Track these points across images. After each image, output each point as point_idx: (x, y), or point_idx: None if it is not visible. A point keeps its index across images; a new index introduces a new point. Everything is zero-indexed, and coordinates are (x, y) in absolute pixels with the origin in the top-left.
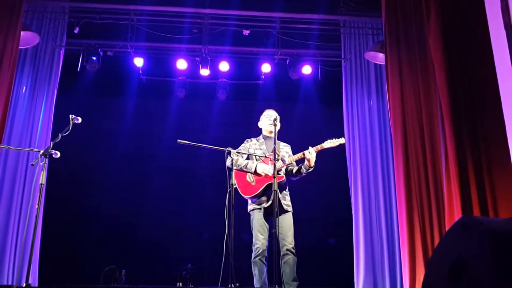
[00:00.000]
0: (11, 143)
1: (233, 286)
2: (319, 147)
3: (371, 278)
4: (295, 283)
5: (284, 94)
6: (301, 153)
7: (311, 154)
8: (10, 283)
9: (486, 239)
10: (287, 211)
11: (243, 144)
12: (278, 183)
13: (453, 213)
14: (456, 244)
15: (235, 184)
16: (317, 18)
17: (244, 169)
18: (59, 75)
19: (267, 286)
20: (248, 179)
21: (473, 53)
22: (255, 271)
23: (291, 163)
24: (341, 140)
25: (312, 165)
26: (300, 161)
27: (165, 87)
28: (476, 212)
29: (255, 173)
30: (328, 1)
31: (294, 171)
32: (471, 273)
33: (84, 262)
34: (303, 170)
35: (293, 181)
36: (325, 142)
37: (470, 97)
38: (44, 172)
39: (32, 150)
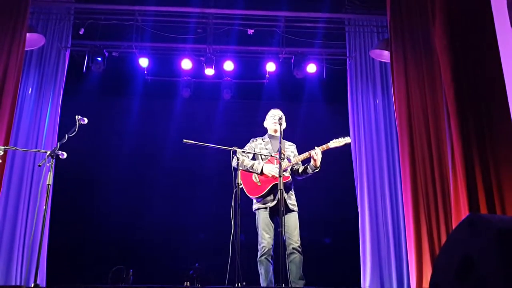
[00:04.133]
0: (18, 144)
1: (239, 285)
2: (324, 146)
3: (377, 277)
4: (302, 282)
5: (289, 93)
6: (307, 153)
7: (317, 154)
8: (18, 283)
9: (494, 237)
10: (293, 210)
11: (248, 144)
12: (284, 183)
13: (460, 211)
14: (463, 242)
15: (241, 184)
16: (322, 17)
17: (250, 170)
18: (64, 76)
19: (273, 285)
20: (254, 179)
21: (479, 52)
22: (261, 270)
23: (297, 163)
24: (347, 140)
25: (318, 166)
26: (306, 161)
27: (170, 87)
28: (483, 209)
29: (261, 174)
30: None
31: (300, 170)
32: (479, 271)
33: (91, 262)
34: (309, 170)
35: (299, 180)
36: (331, 142)
37: (476, 95)
38: (51, 173)
39: (38, 151)
